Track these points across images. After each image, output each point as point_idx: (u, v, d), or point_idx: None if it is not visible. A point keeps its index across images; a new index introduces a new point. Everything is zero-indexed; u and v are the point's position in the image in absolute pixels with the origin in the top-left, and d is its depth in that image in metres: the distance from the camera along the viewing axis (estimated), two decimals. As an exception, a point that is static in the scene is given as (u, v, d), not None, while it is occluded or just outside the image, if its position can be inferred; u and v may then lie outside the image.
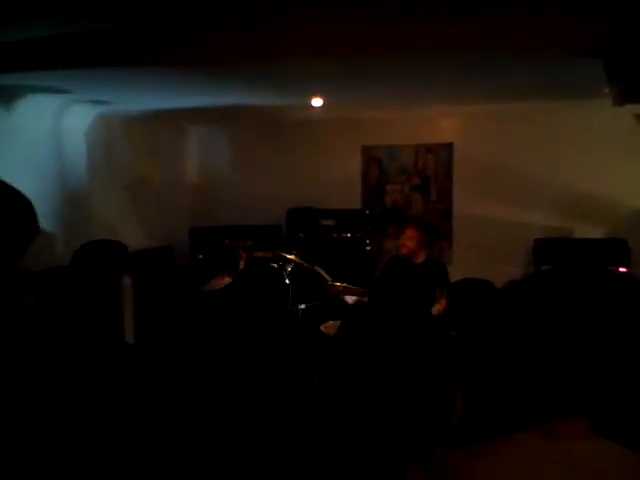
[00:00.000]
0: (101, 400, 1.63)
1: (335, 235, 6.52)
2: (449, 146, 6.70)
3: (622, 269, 5.61)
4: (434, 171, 6.82)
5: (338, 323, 4.74)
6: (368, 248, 6.47)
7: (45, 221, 4.63)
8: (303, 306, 5.00)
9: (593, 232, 6.07)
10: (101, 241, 2.85)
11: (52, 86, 4.17)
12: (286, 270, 5.07)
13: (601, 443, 1.11)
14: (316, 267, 4.78)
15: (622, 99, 3.62)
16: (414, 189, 6.89)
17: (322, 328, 4.75)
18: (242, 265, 4.47)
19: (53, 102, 4.79)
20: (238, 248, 4.52)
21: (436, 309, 4.83)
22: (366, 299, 4.61)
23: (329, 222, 6.57)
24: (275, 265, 5.06)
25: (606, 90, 3.78)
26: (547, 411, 1.13)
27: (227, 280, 4.03)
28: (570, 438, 1.10)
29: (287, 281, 5.06)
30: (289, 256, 4.90)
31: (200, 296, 4.17)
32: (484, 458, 1.14)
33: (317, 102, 5.27)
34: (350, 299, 4.64)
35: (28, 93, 4.33)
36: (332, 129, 6.71)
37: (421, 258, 4.74)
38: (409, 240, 4.62)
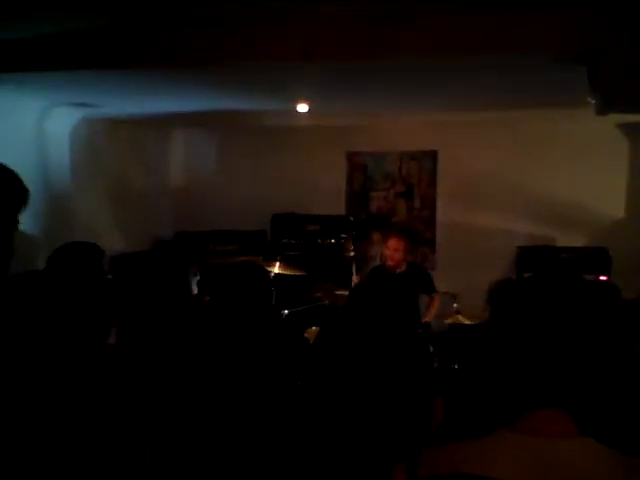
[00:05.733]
0: (87, 400, 1.61)
1: (319, 241, 6.51)
2: (433, 154, 6.73)
3: (602, 277, 5.67)
4: (418, 178, 6.85)
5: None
6: (352, 254, 6.48)
7: (27, 223, 4.60)
8: (286, 312, 4.99)
9: (575, 241, 6.13)
10: (76, 243, 2.81)
11: (34, 88, 4.13)
12: (270, 275, 5.06)
13: (584, 442, 1.10)
14: None
15: (605, 108, 3.66)
16: (398, 196, 6.92)
17: (306, 334, 4.73)
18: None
19: (36, 104, 4.74)
20: None
21: (430, 315, 4.86)
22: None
23: (313, 228, 6.56)
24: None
25: (589, 99, 3.82)
26: (526, 407, 1.13)
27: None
28: (551, 435, 1.10)
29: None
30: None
31: (183, 301, 4.15)
32: (466, 457, 1.14)
33: (303, 108, 5.28)
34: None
35: (9, 93, 4.29)
36: (317, 135, 6.70)
37: (403, 266, 4.75)
38: (396, 252, 4.63)
